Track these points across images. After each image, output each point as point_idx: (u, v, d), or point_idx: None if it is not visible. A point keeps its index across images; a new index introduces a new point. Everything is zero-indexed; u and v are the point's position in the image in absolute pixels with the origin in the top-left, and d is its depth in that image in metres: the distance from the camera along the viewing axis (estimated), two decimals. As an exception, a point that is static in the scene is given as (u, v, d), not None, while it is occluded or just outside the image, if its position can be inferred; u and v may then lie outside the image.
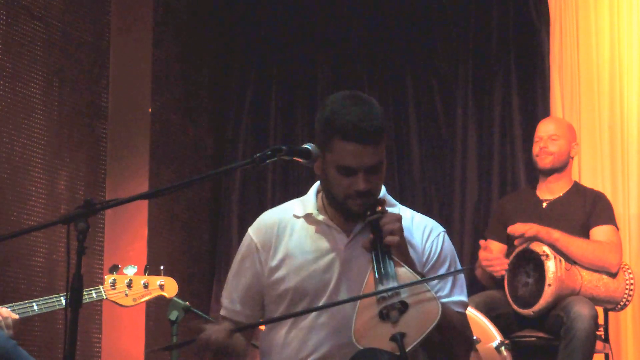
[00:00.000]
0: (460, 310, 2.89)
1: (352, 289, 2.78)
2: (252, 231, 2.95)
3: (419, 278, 2.65)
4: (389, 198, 2.93)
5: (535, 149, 5.07)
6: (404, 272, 2.66)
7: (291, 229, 2.90)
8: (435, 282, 2.82)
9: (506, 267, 4.81)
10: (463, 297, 2.90)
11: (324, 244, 2.86)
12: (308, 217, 2.90)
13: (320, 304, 2.81)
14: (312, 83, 6.30)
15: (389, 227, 2.72)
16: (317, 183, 2.96)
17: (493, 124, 5.95)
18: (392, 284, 2.63)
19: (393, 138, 6.11)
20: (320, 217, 2.88)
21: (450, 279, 2.88)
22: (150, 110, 5.68)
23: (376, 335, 2.58)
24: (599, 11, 5.72)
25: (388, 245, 2.70)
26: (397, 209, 2.93)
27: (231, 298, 2.95)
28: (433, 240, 2.91)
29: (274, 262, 2.88)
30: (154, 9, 5.77)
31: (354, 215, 2.82)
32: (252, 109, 6.34)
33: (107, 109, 5.60)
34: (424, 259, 2.88)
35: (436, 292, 2.74)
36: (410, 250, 2.81)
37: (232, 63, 6.41)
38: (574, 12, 5.76)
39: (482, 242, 4.94)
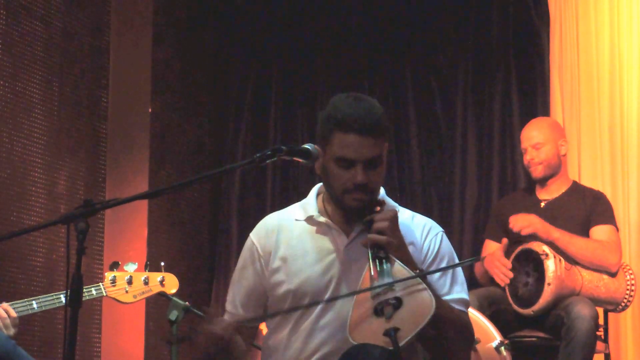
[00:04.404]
0: (460, 307, 2.88)
1: (352, 289, 2.77)
2: (253, 236, 2.98)
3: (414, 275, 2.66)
4: (389, 200, 2.94)
5: (525, 160, 5.07)
6: (400, 270, 2.67)
7: (292, 232, 2.92)
8: (434, 280, 2.83)
9: (507, 281, 4.80)
10: (463, 295, 2.90)
11: (324, 245, 2.87)
12: (309, 220, 2.91)
13: (320, 305, 2.82)
14: (312, 83, 6.30)
15: (376, 225, 2.73)
16: (317, 186, 2.98)
17: (493, 124, 5.95)
18: (387, 281, 2.64)
19: (393, 138, 6.11)
20: (321, 219, 2.89)
21: (449, 277, 2.89)
22: (150, 110, 5.68)
23: (370, 331, 2.59)
24: (599, 11, 5.72)
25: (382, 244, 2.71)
26: (397, 210, 2.93)
27: (234, 303, 2.98)
28: (431, 239, 2.92)
29: (274, 265, 2.90)
30: (153, 9, 5.77)
31: (352, 211, 2.83)
32: (252, 109, 6.34)
33: (107, 109, 5.60)
34: (422, 257, 2.89)
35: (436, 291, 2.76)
36: (411, 249, 2.82)
37: (232, 63, 6.41)
38: (574, 12, 5.76)
39: (504, 240, 4.92)
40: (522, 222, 4.81)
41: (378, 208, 2.79)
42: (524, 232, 4.77)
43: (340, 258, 2.85)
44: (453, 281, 2.89)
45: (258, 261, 2.93)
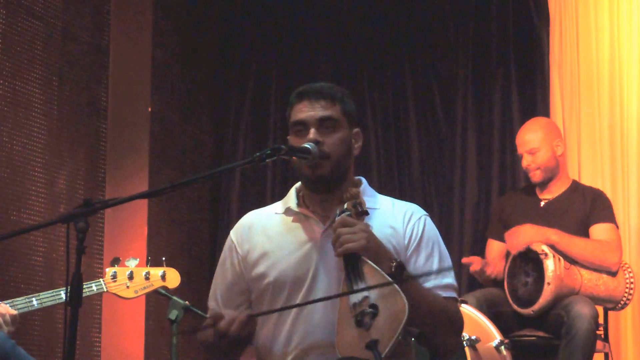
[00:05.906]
0: (448, 294, 2.87)
1: (330, 277, 2.80)
2: (232, 233, 3.03)
3: (390, 280, 2.63)
4: (368, 189, 2.96)
5: (523, 165, 5.06)
6: (377, 278, 2.63)
7: (271, 226, 2.95)
8: (420, 267, 2.84)
9: (501, 269, 4.85)
10: (450, 280, 2.89)
11: (302, 234, 2.89)
12: (287, 211, 2.94)
13: (301, 293, 2.82)
14: (312, 83, 6.30)
15: (341, 239, 2.70)
16: (297, 183, 3.00)
17: (493, 124, 5.96)
18: (362, 286, 2.63)
19: (393, 138, 6.12)
20: (299, 209, 2.91)
21: (435, 262, 2.87)
22: (150, 110, 5.68)
23: (353, 343, 2.59)
24: (599, 11, 5.72)
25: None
26: (376, 199, 2.95)
27: (215, 300, 3.03)
28: (414, 224, 2.90)
29: (253, 259, 2.92)
30: (153, 9, 5.77)
31: (315, 181, 2.84)
32: (252, 108, 6.34)
33: (107, 109, 5.60)
34: (406, 243, 2.87)
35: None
36: (393, 236, 2.82)
37: (232, 62, 6.41)
38: (574, 12, 5.77)
39: (464, 260, 4.94)
40: (517, 247, 4.80)
41: (361, 203, 2.77)
42: (523, 248, 4.78)
43: (317, 246, 2.85)
44: (440, 267, 2.88)
45: (236, 259, 2.96)
